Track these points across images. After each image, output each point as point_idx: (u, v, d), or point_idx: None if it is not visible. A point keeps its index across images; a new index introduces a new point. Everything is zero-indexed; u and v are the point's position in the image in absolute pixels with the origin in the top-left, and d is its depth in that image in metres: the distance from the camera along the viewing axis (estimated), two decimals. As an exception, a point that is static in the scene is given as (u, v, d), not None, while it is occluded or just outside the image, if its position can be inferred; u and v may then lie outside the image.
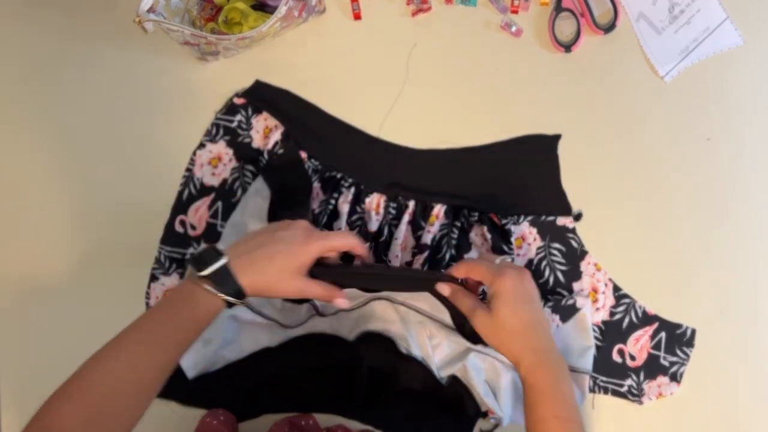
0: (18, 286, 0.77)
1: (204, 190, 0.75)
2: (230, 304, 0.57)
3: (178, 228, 0.75)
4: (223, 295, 0.56)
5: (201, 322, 0.56)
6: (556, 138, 0.76)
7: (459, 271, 0.63)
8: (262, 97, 0.77)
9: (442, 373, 0.70)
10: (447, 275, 0.64)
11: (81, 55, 0.79)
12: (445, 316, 0.69)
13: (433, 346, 0.71)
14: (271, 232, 0.60)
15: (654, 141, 0.76)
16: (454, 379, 0.70)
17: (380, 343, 0.70)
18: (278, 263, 0.57)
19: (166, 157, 0.78)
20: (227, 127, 0.76)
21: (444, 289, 0.63)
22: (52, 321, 0.76)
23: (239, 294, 0.56)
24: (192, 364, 0.70)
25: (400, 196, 0.74)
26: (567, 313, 0.72)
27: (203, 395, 0.72)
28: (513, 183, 0.75)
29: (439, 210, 0.73)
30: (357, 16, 0.79)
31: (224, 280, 0.56)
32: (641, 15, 0.77)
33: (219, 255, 0.57)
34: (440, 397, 0.70)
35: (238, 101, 0.77)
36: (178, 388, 0.73)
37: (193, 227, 0.75)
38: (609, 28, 0.76)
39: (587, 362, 0.71)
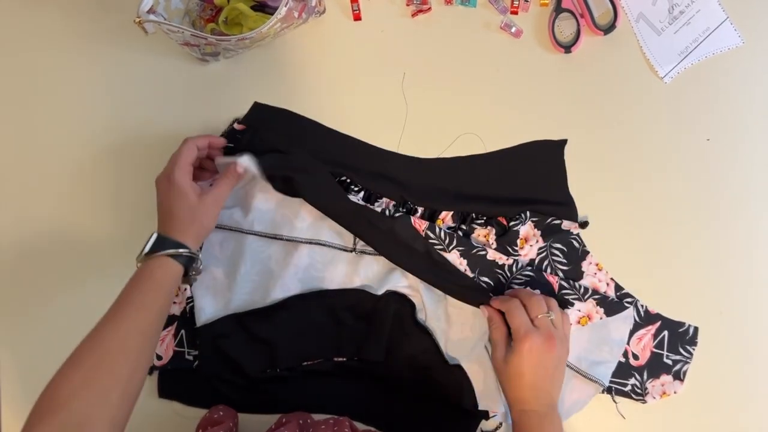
0: (17, 286, 0.77)
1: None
2: (185, 267, 0.65)
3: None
4: (166, 251, 0.64)
5: (163, 285, 0.63)
6: (562, 143, 0.76)
7: (496, 303, 0.69)
8: (261, 118, 0.76)
9: (451, 353, 0.71)
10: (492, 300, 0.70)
11: (81, 56, 0.79)
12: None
13: (455, 323, 0.72)
14: (160, 197, 0.68)
15: (654, 141, 0.77)
16: (458, 368, 0.70)
17: (403, 304, 0.73)
18: (178, 204, 0.66)
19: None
20: None
21: (485, 311, 0.70)
22: (51, 320, 0.76)
23: (178, 246, 0.64)
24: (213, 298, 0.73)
25: (409, 202, 0.74)
26: (612, 309, 0.72)
27: (206, 394, 0.73)
28: (520, 189, 0.75)
29: (446, 215, 0.74)
30: (357, 17, 0.79)
31: (162, 244, 0.64)
32: (641, 15, 0.78)
33: (150, 237, 0.65)
34: (440, 385, 0.71)
35: (239, 127, 0.76)
36: (181, 388, 0.73)
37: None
38: (609, 28, 0.76)
39: (604, 375, 0.72)
